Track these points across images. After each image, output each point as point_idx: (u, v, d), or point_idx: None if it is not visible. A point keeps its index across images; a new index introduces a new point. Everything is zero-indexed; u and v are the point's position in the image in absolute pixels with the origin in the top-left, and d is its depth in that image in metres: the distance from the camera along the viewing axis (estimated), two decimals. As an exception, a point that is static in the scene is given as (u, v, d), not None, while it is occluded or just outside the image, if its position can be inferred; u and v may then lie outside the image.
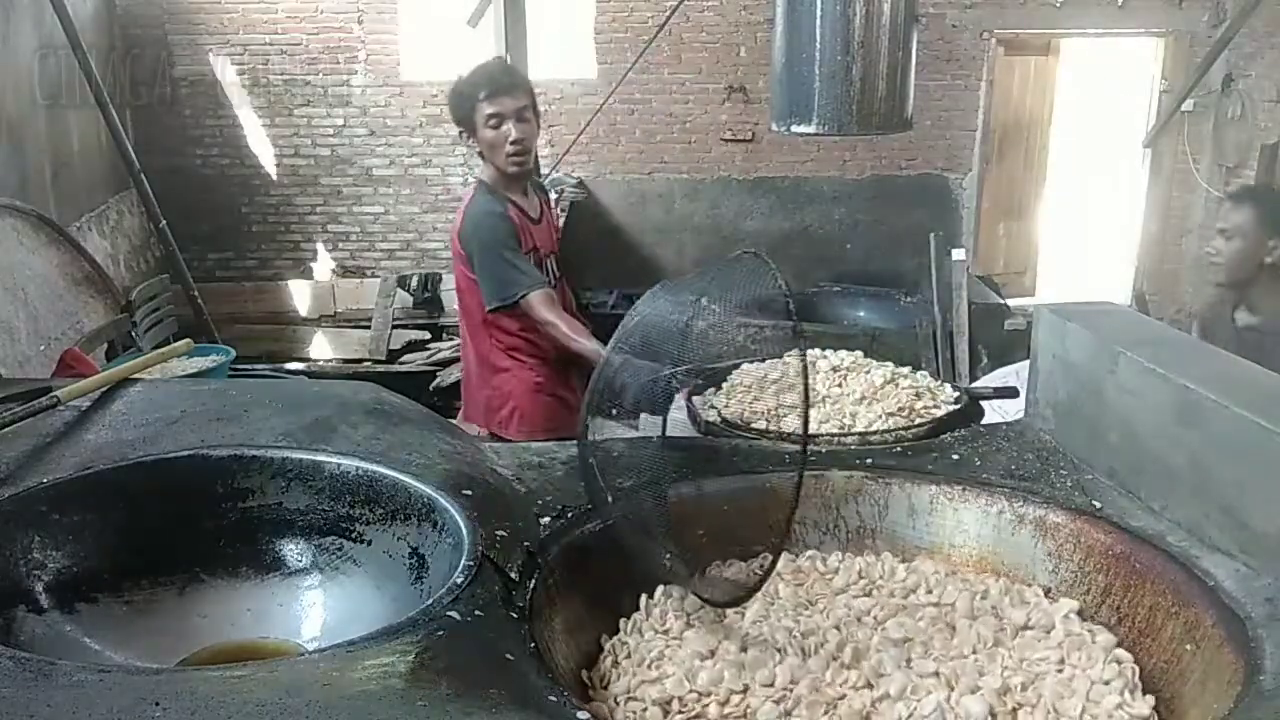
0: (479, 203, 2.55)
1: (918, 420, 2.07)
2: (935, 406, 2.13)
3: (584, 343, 2.37)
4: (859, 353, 2.36)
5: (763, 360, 2.41)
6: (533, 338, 2.57)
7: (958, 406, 2.13)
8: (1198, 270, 7.03)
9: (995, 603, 1.43)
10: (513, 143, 2.45)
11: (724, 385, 2.38)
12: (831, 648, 1.30)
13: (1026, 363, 2.15)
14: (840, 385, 2.21)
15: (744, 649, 1.30)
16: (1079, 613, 1.40)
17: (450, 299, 6.88)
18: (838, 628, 1.37)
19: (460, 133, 2.55)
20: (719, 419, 2.24)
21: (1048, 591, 1.50)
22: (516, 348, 2.60)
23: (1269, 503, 1.30)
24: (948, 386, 2.29)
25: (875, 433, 1.95)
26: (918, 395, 2.15)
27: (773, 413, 2.21)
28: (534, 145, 2.57)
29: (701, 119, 7.20)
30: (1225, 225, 2.37)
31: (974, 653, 1.32)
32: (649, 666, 1.30)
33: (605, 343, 2.45)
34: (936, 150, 7.31)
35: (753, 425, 2.19)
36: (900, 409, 2.11)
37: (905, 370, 2.27)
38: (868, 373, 2.21)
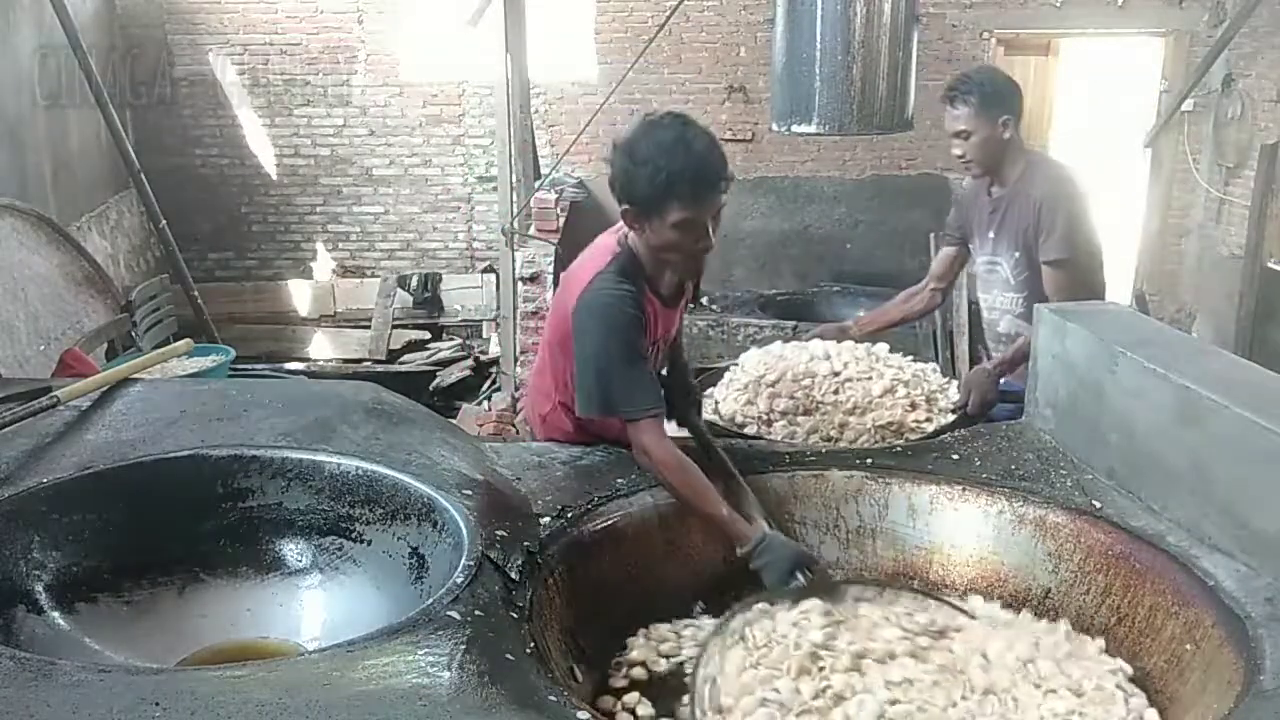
0: (606, 284, 1.95)
1: (906, 435, 2.07)
2: (928, 420, 2.12)
3: (712, 508, 1.72)
4: (883, 347, 2.35)
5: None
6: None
7: (950, 420, 2.12)
8: (1198, 270, 7.02)
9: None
10: (701, 248, 1.92)
11: (720, 383, 2.39)
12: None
13: (1020, 341, 2.16)
14: (837, 392, 2.20)
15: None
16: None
17: (450, 299, 6.89)
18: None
19: (622, 210, 1.96)
20: (717, 417, 2.24)
21: (1047, 593, 1.50)
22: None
23: (1269, 503, 1.30)
24: (954, 387, 2.29)
25: (858, 451, 1.91)
26: (913, 406, 2.15)
27: (764, 416, 2.21)
28: None
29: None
30: (956, 127, 2.48)
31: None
32: None
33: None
34: (936, 150, 7.29)
35: (745, 429, 2.19)
36: (890, 424, 2.10)
37: (910, 375, 2.25)
38: (868, 379, 2.20)
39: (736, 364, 2.38)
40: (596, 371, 1.88)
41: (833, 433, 2.13)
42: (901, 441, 1.99)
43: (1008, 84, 2.55)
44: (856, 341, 2.42)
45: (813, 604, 1.44)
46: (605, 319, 1.91)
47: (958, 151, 2.51)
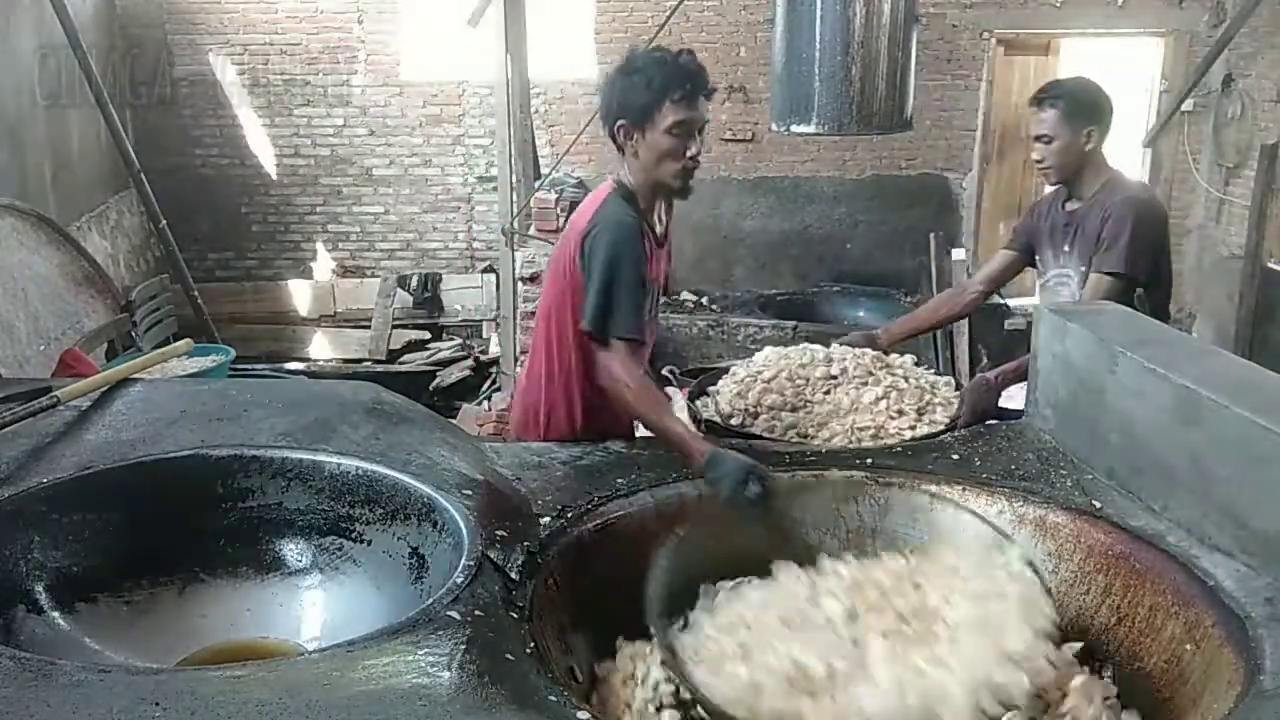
0: (615, 209, 2.13)
1: (880, 442, 2.03)
2: (911, 429, 2.10)
3: (669, 423, 1.89)
4: (908, 359, 2.32)
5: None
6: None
7: (935, 430, 2.08)
8: (1198, 270, 7.03)
9: None
10: (692, 156, 2.10)
11: (724, 378, 2.39)
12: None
13: (1026, 357, 2.15)
14: (828, 393, 2.19)
15: None
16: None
17: (450, 299, 6.88)
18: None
19: (616, 126, 2.12)
20: (717, 416, 2.24)
21: (1047, 593, 1.50)
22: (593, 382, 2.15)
23: (1269, 503, 1.30)
24: (950, 390, 2.27)
25: (858, 451, 1.90)
26: (900, 414, 2.13)
27: (751, 409, 2.22)
28: None
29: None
30: (1039, 130, 2.46)
31: None
32: None
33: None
34: (936, 150, 7.30)
35: (730, 420, 2.19)
36: (867, 428, 2.09)
37: (913, 384, 2.23)
38: (863, 384, 2.20)
39: (751, 361, 2.39)
40: (603, 284, 2.02)
41: (810, 430, 2.13)
42: (875, 445, 1.98)
43: (1099, 97, 2.51)
44: (886, 351, 2.39)
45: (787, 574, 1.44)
46: (616, 241, 2.06)
47: (1037, 156, 2.49)
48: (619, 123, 2.12)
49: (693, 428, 1.94)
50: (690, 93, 2.05)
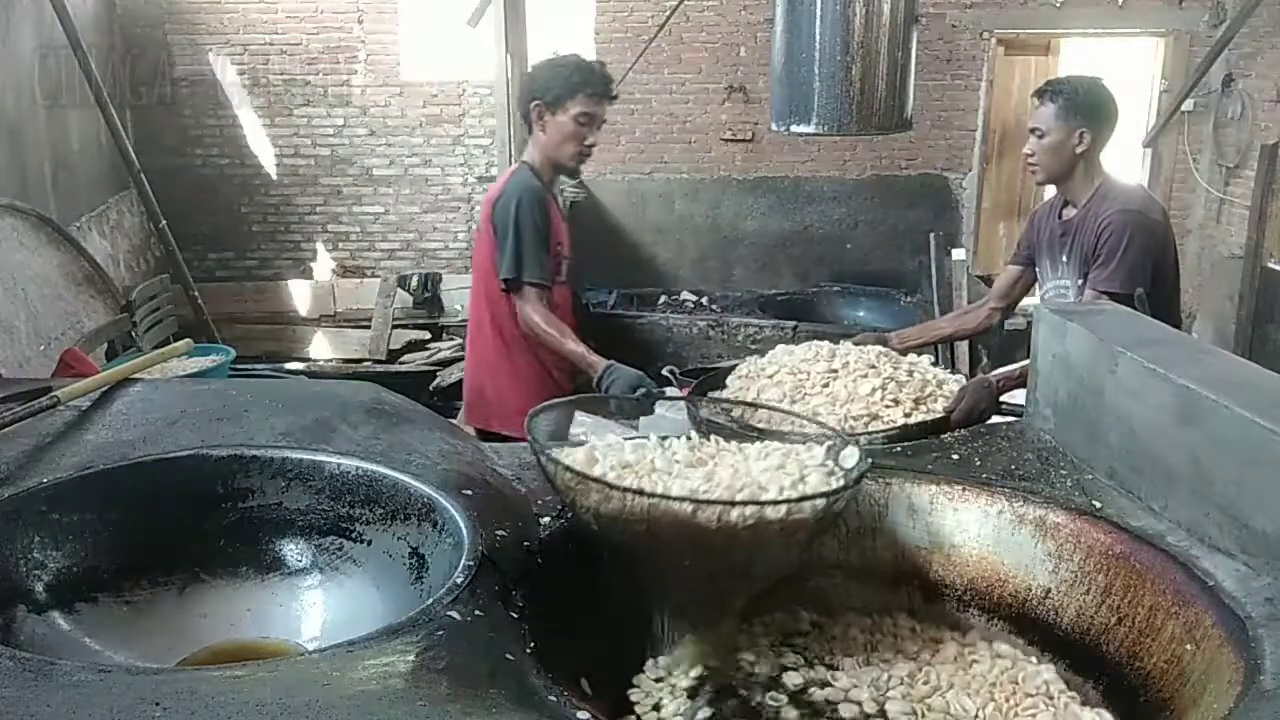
0: (522, 178, 2.57)
1: (867, 429, 2.03)
2: (906, 417, 2.09)
3: (570, 345, 2.42)
4: (925, 360, 2.29)
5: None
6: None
7: (929, 420, 2.07)
8: (1198, 270, 7.03)
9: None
10: (589, 145, 2.54)
11: (727, 380, 2.39)
12: None
13: (1026, 362, 2.14)
14: (826, 385, 2.19)
15: None
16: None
17: (451, 299, 6.88)
18: None
19: (532, 104, 2.53)
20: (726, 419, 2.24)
21: (1047, 593, 1.50)
22: (519, 339, 2.61)
23: (1269, 503, 1.30)
24: (953, 381, 2.25)
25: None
26: (896, 403, 2.13)
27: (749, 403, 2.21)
28: None
29: (701, 119, 7.20)
30: (1033, 123, 2.42)
31: None
32: None
33: (598, 348, 2.48)
34: (936, 150, 7.31)
35: (731, 412, 2.19)
36: (861, 416, 2.08)
37: (917, 378, 2.21)
38: (862, 377, 2.19)
39: (757, 359, 2.39)
40: (515, 237, 2.47)
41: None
42: (866, 432, 1.98)
43: (1102, 100, 2.46)
44: (903, 354, 2.35)
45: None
46: (523, 202, 2.50)
47: (1027, 149, 2.44)
48: (534, 102, 2.53)
49: (591, 353, 2.41)
50: (599, 93, 2.50)
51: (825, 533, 1.37)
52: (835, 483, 1.31)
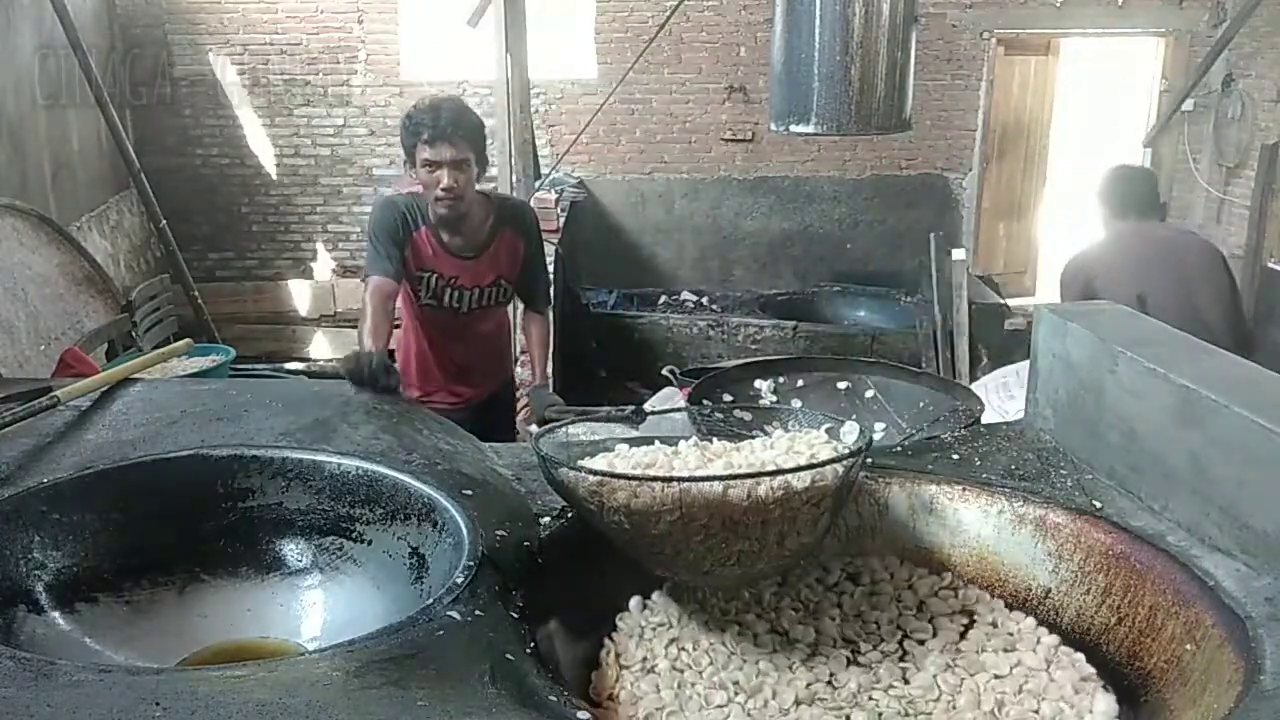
0: (387, 194, 2.85)
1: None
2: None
3: (364, 338, 2.49)
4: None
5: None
6: (424, 316, 2.79)
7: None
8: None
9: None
10: (443, 189, 2.52)
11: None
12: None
13: (1026, 363, 2.14)
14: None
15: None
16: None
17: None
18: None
19: (404, 159, 2.63)
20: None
21: (1047, 593, 1.50)
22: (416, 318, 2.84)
23: (1269, 503, 1.30)
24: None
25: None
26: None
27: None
28: (470, 192, 2.60)
29: (701, 119, 7.20)
30: None
31: None
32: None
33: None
34: (936, 150, 7.31)
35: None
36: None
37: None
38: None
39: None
40: (369, 240, 2.66)
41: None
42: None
43: (1109, 182, 2.52)
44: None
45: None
46: (373, 210, 2.71)
47: None
48: (404, 158, 2.63)
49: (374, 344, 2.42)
50: (433, 136, 2.48)
51: (844, 506, 1.40)
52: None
